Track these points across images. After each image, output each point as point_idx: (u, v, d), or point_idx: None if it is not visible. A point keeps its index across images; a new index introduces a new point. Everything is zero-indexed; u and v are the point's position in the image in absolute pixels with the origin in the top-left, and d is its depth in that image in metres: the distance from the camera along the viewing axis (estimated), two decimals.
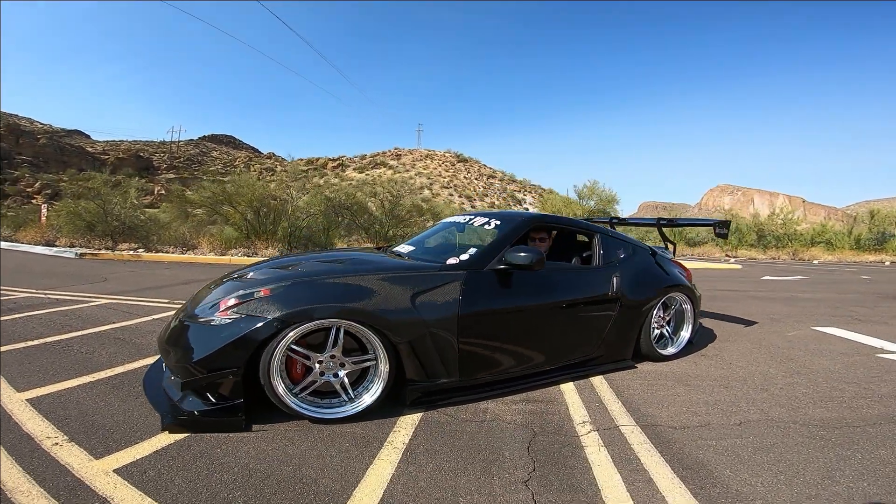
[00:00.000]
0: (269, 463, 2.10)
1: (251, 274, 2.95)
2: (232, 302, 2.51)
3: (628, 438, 2.46)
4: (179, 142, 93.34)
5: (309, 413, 2.48)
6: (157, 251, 12.75)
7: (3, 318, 4.57)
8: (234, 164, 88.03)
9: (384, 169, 78.24)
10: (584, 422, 2.65)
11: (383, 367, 2.58)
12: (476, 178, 78.92)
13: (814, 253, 21.24)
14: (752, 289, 9.36)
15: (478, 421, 2.60)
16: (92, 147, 79.19)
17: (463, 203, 66.15)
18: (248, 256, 12.27)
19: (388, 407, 2.67)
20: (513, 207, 65.26)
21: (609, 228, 4.10)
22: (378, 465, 2.13)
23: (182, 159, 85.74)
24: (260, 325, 2.34)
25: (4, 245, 13.37)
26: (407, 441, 2.35)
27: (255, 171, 78.22)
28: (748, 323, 5.60)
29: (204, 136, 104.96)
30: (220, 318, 2.46)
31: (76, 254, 11.37)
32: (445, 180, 74.06)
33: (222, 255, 12.53)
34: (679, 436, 2.51)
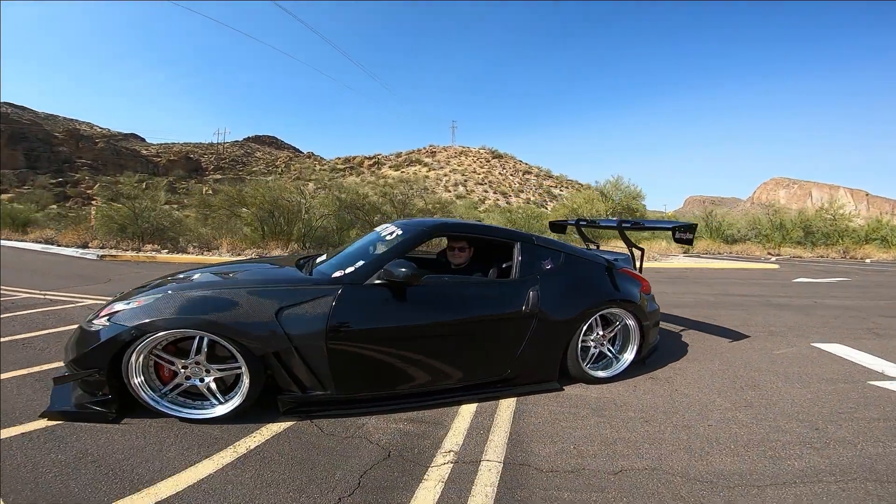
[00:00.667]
0: (105, 450, 2.35)
1: (181, 275, 3.33)
2: (109, 311, 2.79)
3: (478, 478, 2.23)
4: (225, 143, 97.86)
5: (171, 412, 2.71)
6: (182, 252, 13.28)
7: None
8: (275, 164, 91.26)
9: (419, 166, 78.74)
10: (450, 451, 2.47)
11: (245, 376, 2.69)
12: (511, 175, 77.90)
13: (867, 251, 19.28)
14: (773, 294, 8.53)
15: (343, 436, 2.59)
16: (146, 150, 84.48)
17: (498, 199, 65.49)
18: (261, 257, 12.53)
19: (270, 413, 2.77)
20: (547, 203, 63.81)
21: (538, 236, 3.71)
22: (204, 464, 2.26)
23: (228, 160, 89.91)
24: (121, 331, 2.60)
25: (38, 247, 14.34)
26: (252, 447, 2.45)
27: (294, 170, 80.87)
28: (737, 337, 5.03)
29: (248, 137, 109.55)
30: (97, 324, 2.72)
31: (97, 255, 11.99)
32: (480, 177, 73.55)
33: (238, 255, 12.88)
34: (537, 481, 2.21)
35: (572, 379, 3.44)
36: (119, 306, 2.79)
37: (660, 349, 4.24)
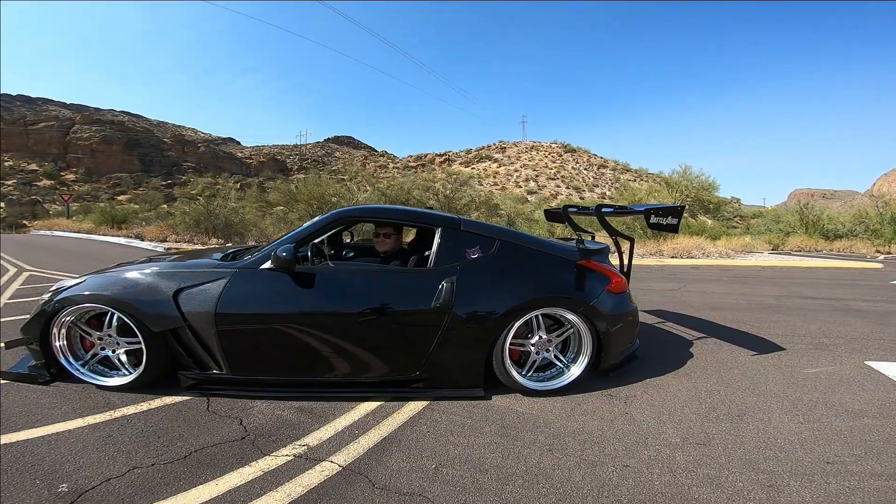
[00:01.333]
0: (7, 401, 2.77)
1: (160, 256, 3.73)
2: (58, 286, 3.09)
3: (301, 476, 2.09)
4: (307, 144, 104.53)
5: (84, 377, 3.01)
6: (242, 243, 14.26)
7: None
8: (352, 162, 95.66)
9: (489, 162, 78.19)
10: (305, 444, 2.36)
11: (143, 350, 2.88)
12: (585, 169, 74.54)
13: None
14: (856, 297, 7.04)
15: (222, 414, 2.66)
16: (241, 152, 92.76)
17: (571, 194, 62.97)
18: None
19: (178, 389, 2.93)
20: (622, 197, 59.96)
21: (470, 221, 3.25)
22: (74, 421, 2.54)
23: (310, 160, 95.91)
24: (49, 304, 2.93)
25: (123, 241, 16.17)
26: (129, 413, 2.65)
27: (370, 168, 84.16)
28: (766, 349, 4.11)
29: (328, 137, 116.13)
30: (43, 297, 3.05)
31: (165, 248, 13.20)
32: (552, 171, 71.18)
33: None
34: (357, 494, 1.95)
35: (507, 387, 2.97)
36: (67, 283, 3.09)
37: (643, 359, 3.56)
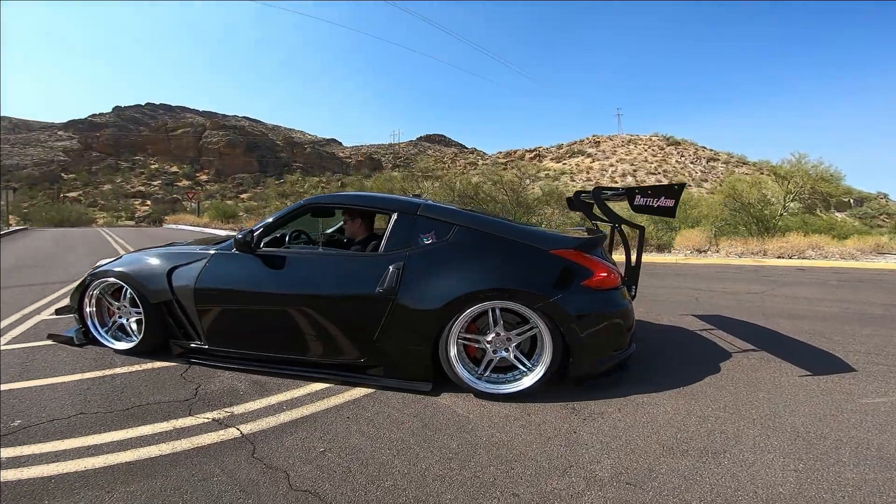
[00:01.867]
0: (41, 355, 3.38)
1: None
2: (98, 263, 3.67)
3: (197, 437, 2.21)
4: (401, 143, 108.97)
5: (105, 342, 3.47)
6: None
7: None
8: (443, 160, 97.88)
9: (582, 157, 74.86)
10: (229, 412, 2.48)
11: (145, 320, 3.27)
12: (692, 162, 67.88)
13: None
14: None
15: (188, 379, 2.92)
16: (342, 153, 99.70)
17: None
18: None
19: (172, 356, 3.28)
20: (719, 189, 53.41)
21: (432, 205, 3.03)
22: (72, 375, 2.99)
23: (403, 158, 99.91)
24: (86, 278, 3.48)
25: (223, 232, 18.20)
26: (115, 373, 3.05)
27: (459, 166, 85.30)
28: (830, 369, 3.25)
29: (420, 136, 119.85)
30: (86, 272, 3.59)
31: None
32: (652, 166, 65.97)
33: None
34: (239, 462, 1.89)
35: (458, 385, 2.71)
36: (105, 261, 3.57)
37: (647, 370, 3.06)
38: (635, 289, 3.28)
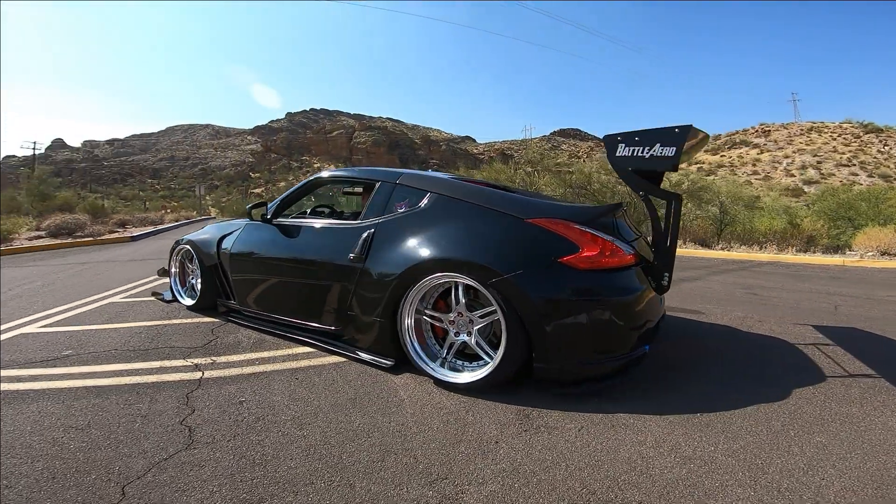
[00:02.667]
0: (139, 307, 4.10)
1: None
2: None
3: (167, 375, 2.44)
4: (534, 139, 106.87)
5: (179, 298, 4.08)
6: None
7: None
8: (577, 154, 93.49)
9: (746, 148, 64.49)
10: (211, 359, 2.71)
11: (200, 281, 3.77)
12: None
13: None
14: None
15: (215, 333, 3.25)
16: (475, 149, 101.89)
17: (874, 183, 46.14)
18: None
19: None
20: None
21: (415, 173, 2.83)
22: (126, 324, 3.53)
23: (536, 153, 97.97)
24: (172, 246, 4.18)
25: None
26: (161, 324, 3.52)
27: (596, 160, 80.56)
28: None
29: (554, 131, 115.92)
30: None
31: None
32: (844, 157, 53.50)
33: None
34: (209, 397, 1.99)
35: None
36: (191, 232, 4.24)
37: (684, 384, 2.39)
38: (668, 277, 2.50)
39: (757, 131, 68.80)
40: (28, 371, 2.51)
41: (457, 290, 2.33)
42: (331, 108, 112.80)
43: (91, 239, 12.24)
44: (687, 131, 2.17)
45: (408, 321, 2.44)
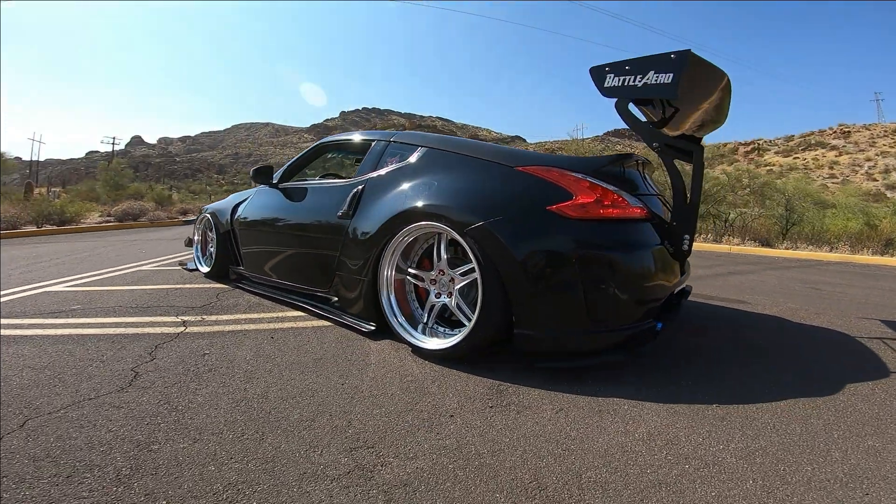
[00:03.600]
0: (161, 273, 4.21)
1: None
2: None
3: (154, 328, 2.36)
4: (585, 139, 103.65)
5: (199, 266, 4.13)
6: None
7: None
8: (651, 146, 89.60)
9: (822, 150, 59.24)
10: (201, 318, 2.69)
11: (216, 247, 3.82)
12: None
13: None
14: None
15: (220, 296, 3.24)
16: (525, 148, 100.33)
17: None
18: None
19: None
20: None
21: (411, 133, 2.66)
22: (148, 286, 3.62)
23: (587, 153, 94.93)
24: (197, 217, 4.40)
25: None
26: (177, 287, 3.57)
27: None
28: None
29: (608, 131, 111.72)
30: None
31: None
32: None
33: None
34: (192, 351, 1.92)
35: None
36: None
37: (708, 371, 2.04)
38: (689, 240, 2.13)
39: (835, 132, 63.07)
40: (30, 321, 2.55)
41: (439, 245, 2.12)
42: (382, 108, 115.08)
43: (149, 222, 13.05)
44: (685, 57, 1.81)
45: (386, 272, 2.25)
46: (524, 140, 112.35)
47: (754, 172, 15.18)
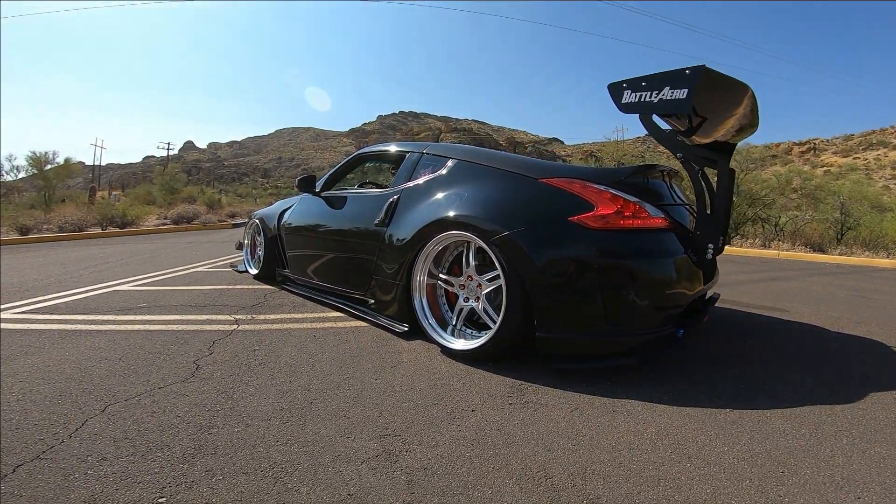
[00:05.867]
0: (212, 274, 4.60)
1: None
2: None
3: (210, 325, 2.66)
4: (626, 140, 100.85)
5: (248, 268, 4.50)
6: None
7: None
8: (676, 155, 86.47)
9: (884, 150, 55.18)
10: (251, 317, 2.95)
11: (264, 251, 4.11)
12: None
13: None
14: None
15: (266, 297, 3.54)
16: (563, 150, 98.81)
17: None
18: None
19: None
20: None
21: (440, 145, 2.83)
22: (201, 287, 3.96)
23: (628, 155, 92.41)
24: (248, 222, 4.67)
25: None
26: (227, 288, 3.94)
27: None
28: None
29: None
30: None
31: None
32: None
33: None
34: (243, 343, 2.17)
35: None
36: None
37: (726, 375, 2.12)
38: (713, 248, 2.22)
39: None
40: (104, 317, 2.90)
41: (468, 252, 2.29)
42: (419, 111, 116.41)
43: (201, 225, 13.92)
44: (699, 72, 1.89)
45: (419, 277, 2.44)
46: (562, 142, 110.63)
47: (807, 174, 14.42)
